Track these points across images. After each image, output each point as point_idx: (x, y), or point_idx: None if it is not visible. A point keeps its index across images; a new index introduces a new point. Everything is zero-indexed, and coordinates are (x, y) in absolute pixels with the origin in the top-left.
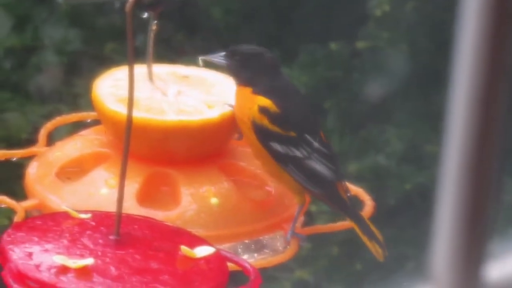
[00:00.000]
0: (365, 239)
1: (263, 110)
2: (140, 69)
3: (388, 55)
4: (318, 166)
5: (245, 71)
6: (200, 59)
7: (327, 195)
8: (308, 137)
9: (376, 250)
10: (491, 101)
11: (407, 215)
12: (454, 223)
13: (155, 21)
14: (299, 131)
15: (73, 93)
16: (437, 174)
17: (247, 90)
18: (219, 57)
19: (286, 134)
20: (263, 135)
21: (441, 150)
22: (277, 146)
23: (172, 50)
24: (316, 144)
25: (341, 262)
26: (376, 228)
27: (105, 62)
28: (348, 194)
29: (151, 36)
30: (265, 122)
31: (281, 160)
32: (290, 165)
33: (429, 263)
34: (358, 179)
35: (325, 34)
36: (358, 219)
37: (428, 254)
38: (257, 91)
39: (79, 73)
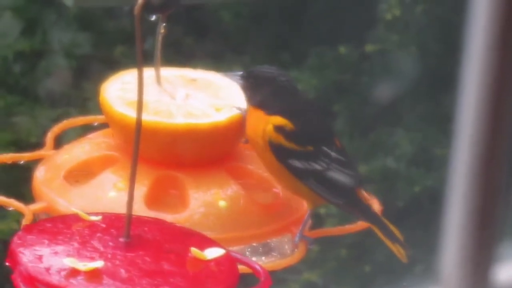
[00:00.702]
0: (388, 242)
1: (278, 129)
2: (148, 72)
3: (398, 58)
4: (338, 176)
5: (256, 94)
6: (221, 75)
7: (348, 204)
8: (325, 148)
9: (399, 252)
10: (500, 104)
11: (416, 218)
12: (463, 226)
13: (164, 24)
14: (316, 144)
15: (82, 97)
16: (446, 176)
17: (260, 112)
18: (236, 76)
19: (303, 150)
20: (280, 154)
21: (450, 152)
22: (296, 163)
23: (181, 54)
24: (333, 154)
25: (349, 264)
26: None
27: (114, 65)
28: (366, 195)
29: (159, 39)
30: (282, 140)
31: (301, 175)
32: (310, 179)
33: (438, 266)
34: (367, 182)
35: (335, 37)
36: (379, 222)
37: (437, 256)
38: (270, 112)
39: (88, 76)
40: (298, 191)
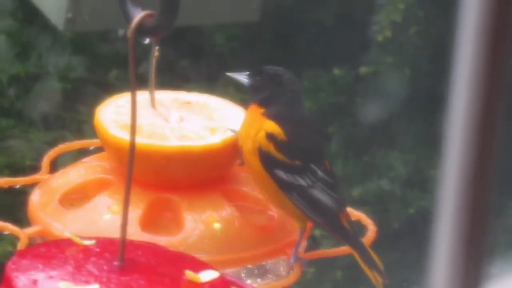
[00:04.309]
0: (365, 268)
1: (270, 137)
2: (142, 95)
3: (392, 80)
4: (321, 196)
5: (262, 91)
6: (226, 74)
7: (329, 224)
8: (313, 166)
9: (376, 279)
10: (489, 124)
11: (411, 239)
12: (452, 246)
13: (157, 47)
14: (304, 160)
15: (77, 120)
16: (437, 197)
17: (258, 112)
18: (242, 76)
19: (292, 163)
20: (268, 162)
21: (440, 173)
22: (282, 174)
23: (176, 76)
24: (320, 173)
25: (345, 286)
26: (379, 252)
27: (109, 89)
28: (349, 220)
29: (153, 61)
30: (271, 149)
31: (286, 188)
32: (293, 193)
33: (429, 286)
34: (361, 203)
35: (329, 59)
36: (360, 248)
37: (428, 278)
38: (268, 114)
39: (83, 100)
40: (282, 205)
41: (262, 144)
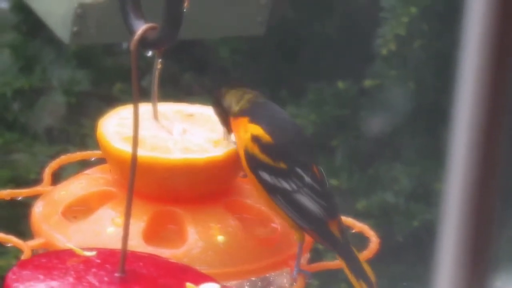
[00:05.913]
0: (352, 278)
1: (255, 139)
2: (145, 108)
3: (396, 93)
4: (307, 202)
5: (222, 114)
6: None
7: (315, 231)
8: (299, 171)
9: None
10: (493, 137)
11: (415, 252)
12: (456, 260)
13: (160, 60)
14: (290, 164)
15: (81, 134)
16: (442, 211)
17: (245, 119)
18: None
19: (276, 165)
20: (253, 164)
21: (444, 186)
22: (266, 176)
23: (179, 90)
24: (307, 179)
25: None
26: (383, 265)
27: (113, 102)
28: (342, 229)
29: (156, 74)
30: (256, 151)
31: (270, 190)
32: (278, 196)
33: None
34: (366, 216)
35: (333, 72)
36: (349, 258)
37: None
38: (253, 119)
39: (87, 113)
40: (274, 209)
41: (248, 146)
